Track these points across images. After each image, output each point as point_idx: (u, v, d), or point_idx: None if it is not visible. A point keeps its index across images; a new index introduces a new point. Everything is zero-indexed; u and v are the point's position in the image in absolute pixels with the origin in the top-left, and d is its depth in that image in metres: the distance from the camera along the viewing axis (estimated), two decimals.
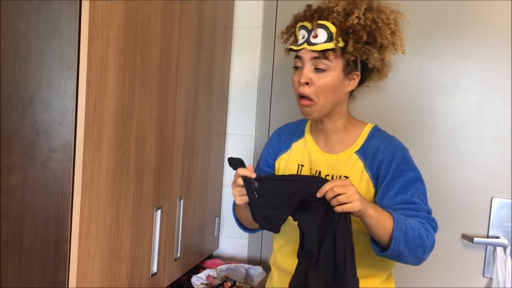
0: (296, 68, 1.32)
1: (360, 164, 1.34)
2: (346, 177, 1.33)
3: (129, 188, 1.25)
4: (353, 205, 1.12)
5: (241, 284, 1.76)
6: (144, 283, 1.38)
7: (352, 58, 1.28)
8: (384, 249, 1.22)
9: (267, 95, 2.06)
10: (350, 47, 1.25)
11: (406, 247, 1.19)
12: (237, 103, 2.08)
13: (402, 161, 1.32)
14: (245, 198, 1.20)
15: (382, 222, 1.18)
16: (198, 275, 1.79)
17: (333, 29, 1.25)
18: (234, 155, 2.02)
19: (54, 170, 1.05)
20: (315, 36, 1.26)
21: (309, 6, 1.33)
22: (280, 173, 1.46)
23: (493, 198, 1.85)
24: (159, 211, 1.42)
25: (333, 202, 1.13)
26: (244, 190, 1.20)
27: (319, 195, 1.14)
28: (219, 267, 1.87)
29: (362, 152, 1.35)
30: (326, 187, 1.14)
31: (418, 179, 1.33)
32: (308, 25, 1.28)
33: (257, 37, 2.04)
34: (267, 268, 1.97)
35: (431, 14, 1.88)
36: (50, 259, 1.06)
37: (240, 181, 1.19)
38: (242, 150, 2.04)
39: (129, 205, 1.26)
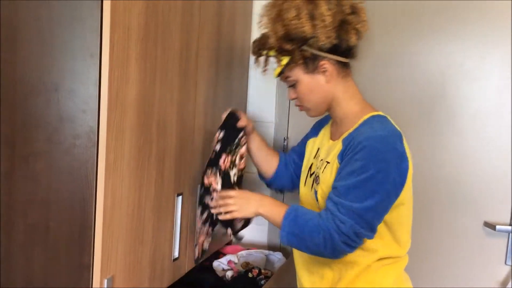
0: None
1: (339, 151, 1.32)
2: (328, 162, 1.35)
3: (151, 174, 1.26)
4: (230, 215, 1.37)
5: (266, 271, 1.78)
6: (166, 267, 1.40)
7: (301, 61, 1.32)
8: None
9: None
10: (290, 60, 1.32)
11: (297, 241, 1.28)
12: (257, 91, 2.08)
13: (361, 151, 1.22)
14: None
15: (274, 220, 1.34)
16: (219, 260, 1.82)
17: (272, 53, 1.35)
18: None
19: (78, 156, 1.07)
20: (268, 64, 1.42)
21: (253, 42, 1.44)
22: (306, 154, 1.54)
23: None
24: (180, 197, 1.44)
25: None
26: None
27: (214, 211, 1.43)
28: (239, 253, 1.89)
29: (346, 140, 1.31)
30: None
31: (362, 173, 1.21)
32: (257, 59, 1.43)
33: None
34: (287, 254, 1.99)
35: None
36: (75, 243, 1.08)
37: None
38: (262, 135, 2.04)
39: (151, 191, 1.28)
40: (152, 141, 1.26)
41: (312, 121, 1.60)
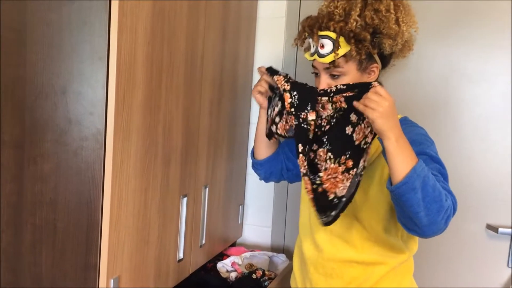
0: (315, 74, 1.34)
1: (380, 149, 1.33)
2: None
3: (156, 176, 1.28)
4: (370, 113, 1.12)
5: (270, 273, 1.79)
6: (170, 268, 1.41)
7: (363, 56, 1.27)
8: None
9: None
10: (355, 51, 1.25)
11: (421, 188, 1.09)
12: None
13: (422, 143, 1.26)
14: (262, 99, 1.39)
15: (402, 155, 1.11)
16: (223, 261, 1.83)
17: (335, 36, 1.24)
18: None
19: (85, 158, 1.09)
20: (322, 47, 1.26)
21: (308, 18, 1.32)
22: None
23: None
24: (185, 199, 1.46)
25: (361, 101, 1.15)
26: (265, 86, 1.37)
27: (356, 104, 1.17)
28: (243, 255, 1.90)
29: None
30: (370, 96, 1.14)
31: (437, 161, 1.25)
32: (313, 37, 1.29)
33: (280, 27, 2.05)
34: (290, 256, 2.00)
35: (456, 2, 1.86)
36: (82, 243, 1.10)
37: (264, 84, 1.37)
38: None
39: (157, 192, 1.29)
40: (158, 143, 1.27)
41: None
